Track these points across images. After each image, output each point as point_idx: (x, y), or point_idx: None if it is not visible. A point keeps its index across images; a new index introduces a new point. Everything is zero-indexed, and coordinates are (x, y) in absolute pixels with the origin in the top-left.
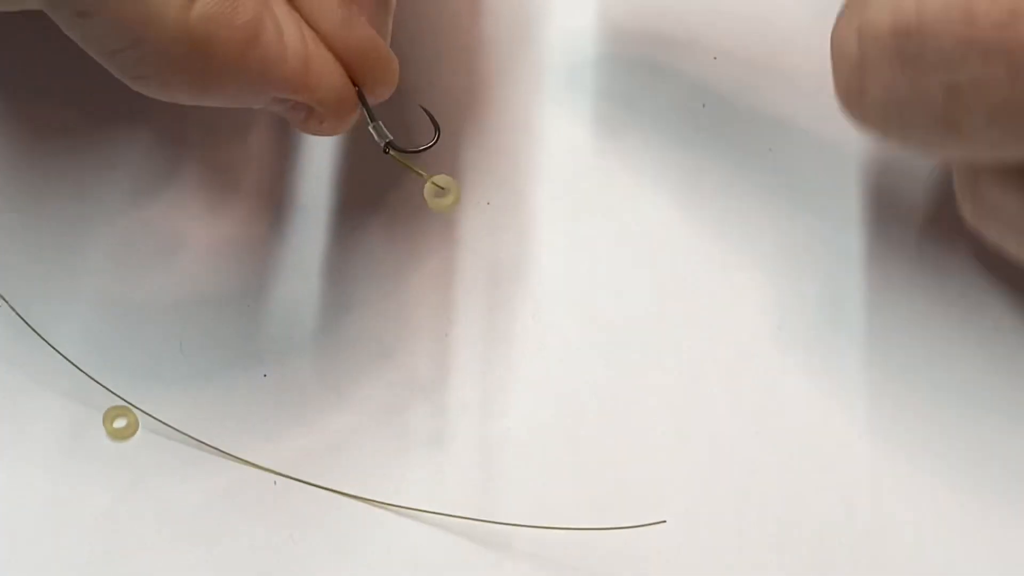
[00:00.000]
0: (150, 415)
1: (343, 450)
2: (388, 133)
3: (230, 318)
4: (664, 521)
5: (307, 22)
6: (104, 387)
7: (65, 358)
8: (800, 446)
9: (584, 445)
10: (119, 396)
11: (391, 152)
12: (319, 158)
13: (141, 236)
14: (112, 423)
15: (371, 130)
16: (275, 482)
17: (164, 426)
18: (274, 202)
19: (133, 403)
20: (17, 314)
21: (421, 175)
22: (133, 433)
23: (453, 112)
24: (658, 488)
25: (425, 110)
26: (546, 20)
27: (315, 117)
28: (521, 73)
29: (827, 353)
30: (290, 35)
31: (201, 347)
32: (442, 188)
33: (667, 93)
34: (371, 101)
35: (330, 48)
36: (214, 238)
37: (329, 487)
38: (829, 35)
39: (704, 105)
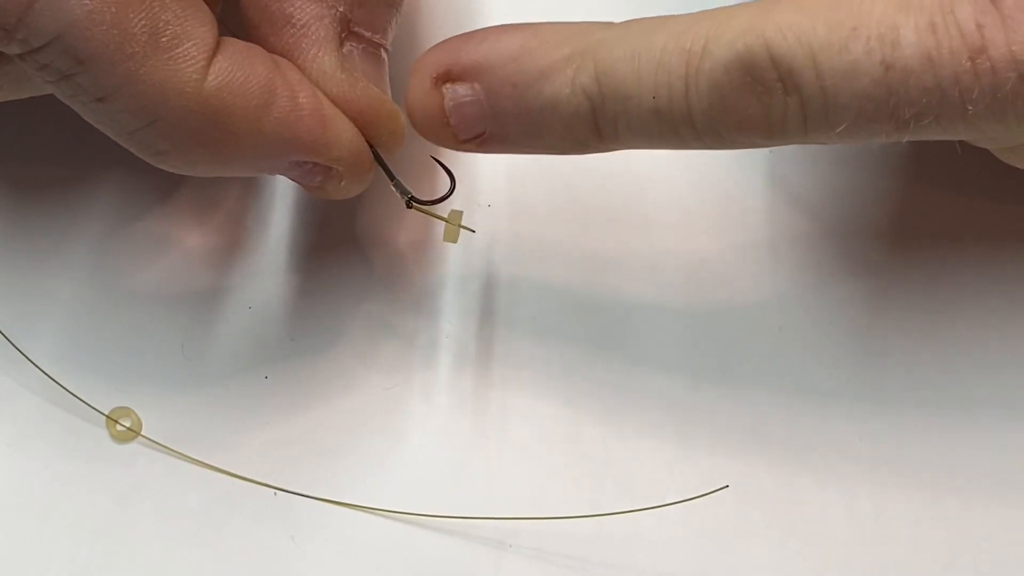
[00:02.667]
0: (149, 438)
1: (342, 452)
2: (409, 189)
3: (231, 320)
4: (727, 486)
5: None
6: (80, 399)
7: (41, 370)
8: (800, 446)
9: (584, 446)
10: (95, 408)
11: (414, 206)
12: None
13: (138, 240)
14: (115, 426)
15: (392, 187)
16: (275, 494)
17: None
18: (273, 204)
19: (135, 405)
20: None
21: (447, 221)
22: (135, 436)
23: None
24: (658, 490)
25: (437, 160)
26: None
27: (333, 178)
28: None
29: (827, 353)
30: (305, 96)
31: (202, 349)
32: (471, 231)
33: None
34: (386, 157)
35: (340, 110)
36: (212, 241)
37: (328, 499)
38: None
39: None
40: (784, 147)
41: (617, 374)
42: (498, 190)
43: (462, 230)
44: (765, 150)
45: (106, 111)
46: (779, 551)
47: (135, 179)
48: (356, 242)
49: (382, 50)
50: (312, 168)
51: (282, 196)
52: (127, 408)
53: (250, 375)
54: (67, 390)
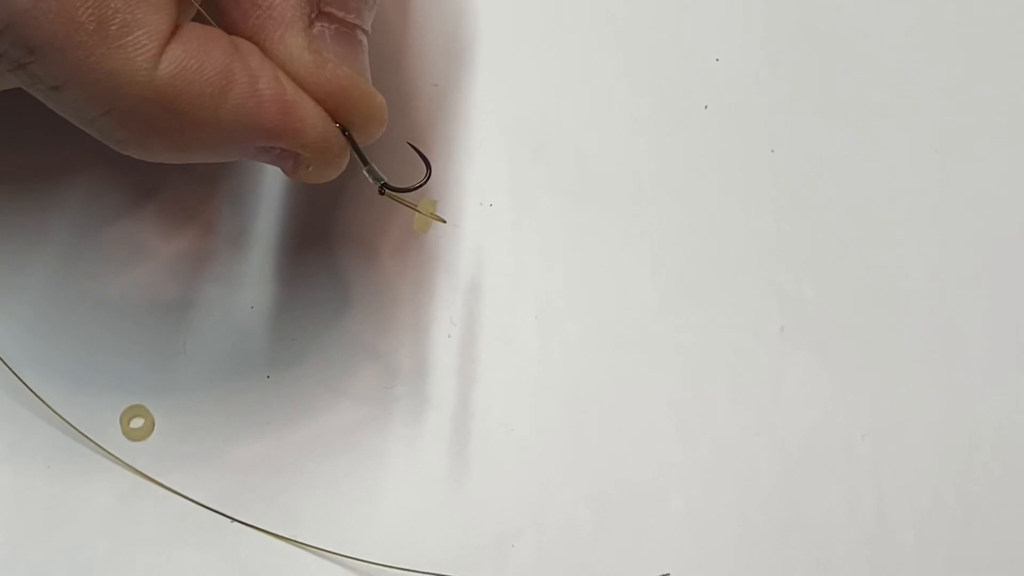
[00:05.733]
0: (136, 469)
1: (343, 454)
2: (382, 175)
3: (234, 320)
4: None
5: (282, 70)
6: (72, 425)
7: (38, 397)
8: (802, 446)
9: (586, 446)
10: (80, 430)
11: (387, 193)
12: None
13: (138, 239)
14: (128, 423)
15: (365, 173)
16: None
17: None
18: (273, 204)
19: (143, 402)
20: None
21: (418, 211)
22: (149, 434)
23: (452, 113)
24: (659, 489)
25: (413, 147)
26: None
27: (303, 163)
28: (519, 75)
29: (829, 353)
30: (265, 82)
31: (204, 349)
32: (442, 220)
33: (670, 94)
34: (363, 141)
35: (308, 93)
36: (212, 240)
37: (312, 545)
38: (829, 36)
39: (706, 107)
40: (787, 148)
41: (618, 374)
42: (498, 190)
43: (441, 222)
44: (767, 153)
45: (63, 99)
46: (781, 550)
47: (130, 177)
48: (358, 242)
49: (358, 31)
50: (280, 153)
51: (284, 195)
52: (140, 407)
53: (252, 375)
54: (62, 417)
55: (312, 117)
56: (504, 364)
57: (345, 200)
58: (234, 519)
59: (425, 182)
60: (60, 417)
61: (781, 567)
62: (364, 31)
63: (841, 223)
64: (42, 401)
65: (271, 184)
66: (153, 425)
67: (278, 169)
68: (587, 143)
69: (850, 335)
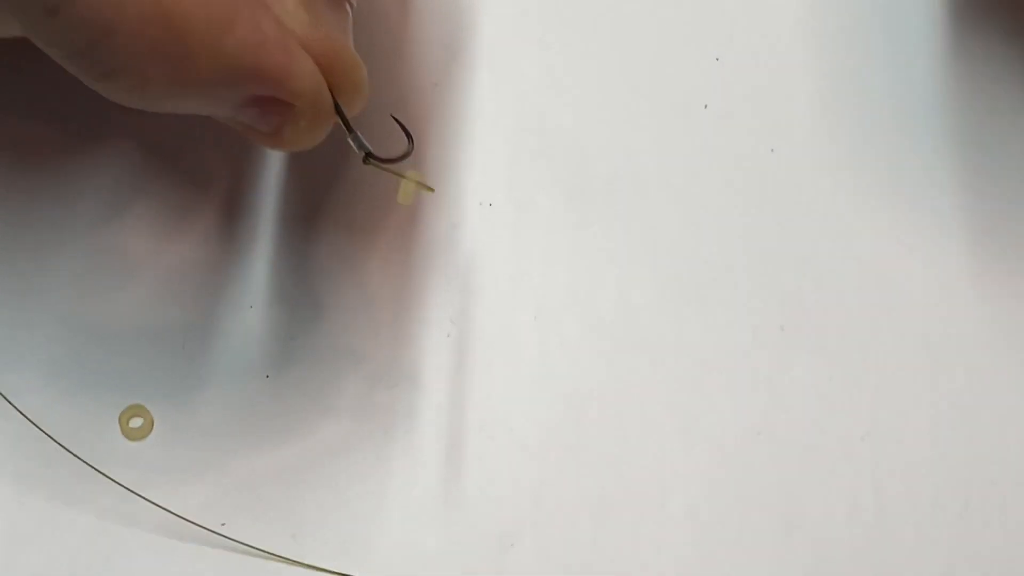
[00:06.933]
0: (127, 489)
1: (342, 454)
2: (367, 144)
3: (233, 320)
4: None
5: None
6: (62, 445)
7: (28, 419)
8: (802, 447)
9: (585, 446)
10: (77, 455)
11: (371, 162)
12: (317, 162)
13: (138, 236)
14: (128, 423)
15: (350, 141)
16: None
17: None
18: (270, 205)
19: (142, 402)
20: None
21: (405, 177)
22: (148, 434)
23: (452, 113)
24: (660, 488)
25: (396, 119)
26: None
27: (293, 120)
28: (519, 75)
29: (829, 353)
30: (268, 26)
31: (204, 349)
32: (430, 189)
33: (670, 94)
34: (346, 112)
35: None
36: (213, 239)
37: (307, 563)
38: (830, 33)
39: (706, 106)
40: (787, 149)
41: (618, 374)
42: (498, 190)
43: (419, 195)
44: (767, 153)
45: (58, 25)
46: (782, 551)
47: (129, 176)
48: (358, 241)
49: (347, 3)
50: (270, 108)
51: (283, 195)
52: (140, 407)
53: (251, 375)
54: (51, 437)
55: (309, 66)
56: (504, 364)
57: (344, 200)
58: (223, 536)
59: (408, 153)
60: (48, 435)
61: (781, 567)
62: (351, 5)
63: (841, 223)
64: (31, 422)
65: (270, 184)
66: (152, 425)
67: (277, 169)
68: (587, 143)
69: (850, 335)
